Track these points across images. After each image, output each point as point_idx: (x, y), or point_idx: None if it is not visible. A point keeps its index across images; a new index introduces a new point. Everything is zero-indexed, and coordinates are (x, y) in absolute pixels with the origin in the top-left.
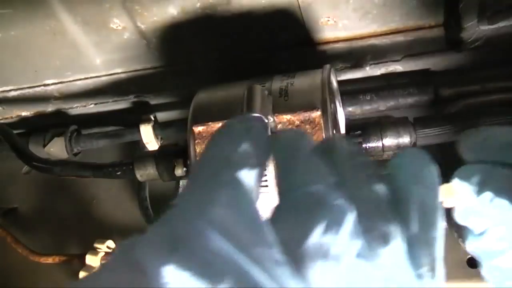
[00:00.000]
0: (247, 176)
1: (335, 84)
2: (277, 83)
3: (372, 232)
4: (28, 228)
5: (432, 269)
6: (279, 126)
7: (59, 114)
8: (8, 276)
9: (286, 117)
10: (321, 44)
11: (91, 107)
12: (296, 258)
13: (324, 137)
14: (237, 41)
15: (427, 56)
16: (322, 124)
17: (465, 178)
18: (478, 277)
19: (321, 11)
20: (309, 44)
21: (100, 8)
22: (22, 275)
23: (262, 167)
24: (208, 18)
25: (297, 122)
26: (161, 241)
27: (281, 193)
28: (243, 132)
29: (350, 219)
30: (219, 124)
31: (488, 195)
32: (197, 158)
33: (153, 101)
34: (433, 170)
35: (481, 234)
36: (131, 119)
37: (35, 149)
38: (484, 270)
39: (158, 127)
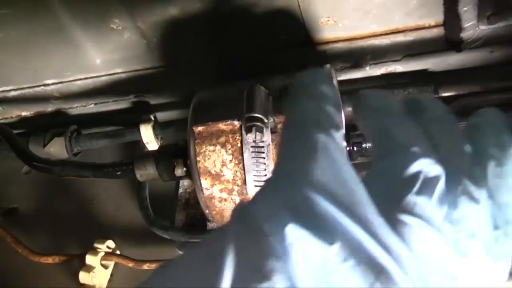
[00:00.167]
0: (338, 136)
1: (335, 84)
2: (277, 83)
3: (463, 194)
4: (28, 228)
5: (506, 234)
6: (279, 126)
7: (59, 114)
8: (8, 276)
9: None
10: (321, 44)
11: (91, 107)
12: (393, 218)
13: None
14: (237, 41)
15: (427, 56)
16: None
17: None
18: None
19: (321, 11)
20: (309, 44)
21: (100, 8)
22: (22, 275)
23: (343, 127)
24: (208, 18)
25: None
26: (276, 206)
27: (377, 155)
28: (322, 93)
29: (442, 183)
30: (219, 124)
31: None
32: (282, 125)
33: (153, 101)
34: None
35: None
36: (131, 119)
37: (35, 149)
38: None
39: (158, 127)
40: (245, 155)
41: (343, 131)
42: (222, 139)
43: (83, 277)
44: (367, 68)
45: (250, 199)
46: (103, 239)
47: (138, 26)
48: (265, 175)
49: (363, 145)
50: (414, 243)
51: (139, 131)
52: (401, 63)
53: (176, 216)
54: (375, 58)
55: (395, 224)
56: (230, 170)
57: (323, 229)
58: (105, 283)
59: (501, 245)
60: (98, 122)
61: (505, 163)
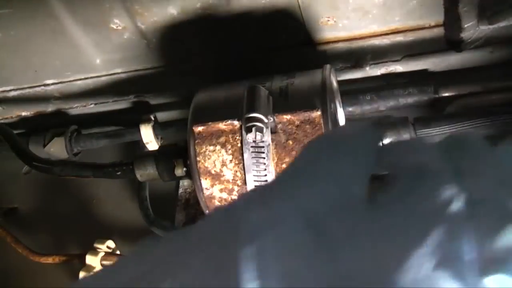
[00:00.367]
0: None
1: (335, 84)
2: (277, 83)
3: None
4: (28, 228)
5: None
6: (279, 126)
7: (59, 114)
8: (8, 276)
9: (286, 117)
10: (321, 44)
11: (91, 107)
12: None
13: None
14: (237, 41)
15: (427, 56)
16: (322, 124)
17: None
18: None
19: (321, 11)
20: (309, 44)
21: (100, 8)
22: (22, 275)
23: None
24: (208, 18)
25: (297, 122)
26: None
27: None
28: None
29: None
30: (219, 124)
31: None
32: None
33: (153, 101)
34: None
35: None
36: (131, 119)
37: (35, 149)
38: None
39: (158, 127)
40: (245, 155)
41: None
42: (222, 139)
43: (83, 277)
44: (367, 68)
45: None
46: (103, 239)
47: (138, 26)
48: (265, 175)
49: None
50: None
51: (139, 131)
52: (401, 63)
53: (176, 216)
54: (375, 58)
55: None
56: (230, 170)
57: None
58: None
59: None
60: (98, 122)
61: None
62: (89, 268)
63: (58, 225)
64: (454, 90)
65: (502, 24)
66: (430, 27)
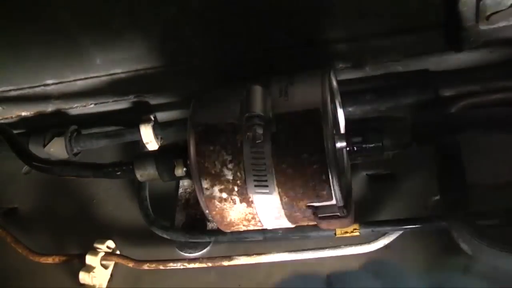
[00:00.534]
0: None
1: (335, 84)
2: (277, 83)
3: None
4: (28, 228)
5: None
6: (279, 126)
7: (59, 114)
8: (8, 276)
9: (286, 117)
10: (321, 44)
11: (91, 107)
12: None
13: (324, 137)
14: (237, 41)
15: (427, 56)
16: (322, 124)
17: None
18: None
19: (321, 11)
20: (309, 44)
21: (100, 8)
22: (22, 275)
23: None
24: (208, 18)
25: (297, 122)
26: None
27: None
28: None
29: None
30: (219, 124)
31: None
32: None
33: (153, 101)
34: None
35: None
36: (131, 119)
37: (35, 149)
38: None
39: (158, 127)
40: (245, 155)
41: None
42: (222, 139)
43: (83, 277)
44: (367, 68)
45: None
46: (103, 239)
47: (138, 26)
48: (265, 175)
49: (363, 146)
50: None
51: (139, 131)
52: (401, 63)
53: (176, 216)
54: (375, 58)
55: None
56: (230, 170)
57: None
58: (105, 283)
59: None
60: (98, 122)
61: None
62: (89, 268)
63: (58, 225)
64: (454, 90)
65: (502, 24)
66: (430, 27)
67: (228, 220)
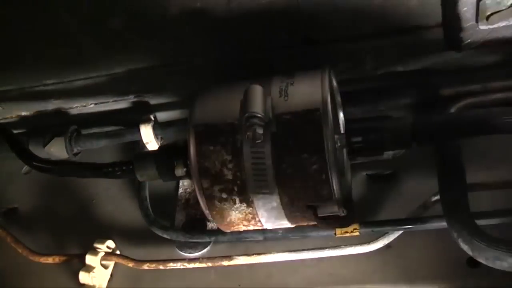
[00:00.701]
0: None
1: (335, 84)
2: (277, 83)
3: None
4: (28, 228)
5: None
6: (279, 126)
7: (59, 114)
8: (8, 276)
9: (286, 117)
10: (321, 44)
11: (91, 107)
12: None
13: (324, 137)
14: (237, 41)
15: (427, 56)
16: (322, 124)
17: None
18: (478, 277)
19: (321, 11)
20: (309, 44)
21: (100, 8)
22: (22, 275)
23: None
24: (208, 18)
25: (297, 122)
26: None
27: None
28: None
29: None
30: (219, 124)
31: None
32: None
33: (153, 101)
34: None
35: None
36: (131, 119)
37: (35, 149)
38: None
39: (158, 127)
40: (245, 155)
41: None
42: (222, 139)
43: (83, 277)
44: (367, 68)
45: None
46: (103, 239)
47: (138, 26)
48: (265, 174)
49: (363, 146)
50: None
51: (139, 131)
52: (401, 63)
53: (176, 216)
54: (375, 58)
55: None
56: (230, 170)
57: None
58: (105, 283)
59: None
60: (98, 122)
61: None
62: (89, 268)
63: (58, 225)
64: (454, 90)
65: (502, 24)
66: (430, 27)
67: (228, 220)
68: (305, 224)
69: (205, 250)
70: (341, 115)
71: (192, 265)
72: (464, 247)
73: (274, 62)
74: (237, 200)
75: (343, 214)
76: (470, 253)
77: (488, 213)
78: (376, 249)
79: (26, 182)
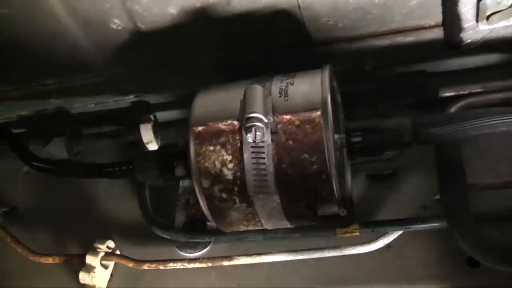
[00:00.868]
0: None
1: (335, 84)
2: (277, 83)
3: None
4: (28, 228)
5: None
6: (279, 126)
7: (59, 114)
8: (8, 276)
9: (286, 117)
10: (321, 44)
11: (91, 107)
12: None
13: (324, 137)
14: (237, 41)
15: (427, 56)
16: (322, 124)
17: None
18: (478, 277)
19: (321, 11)
20: (309, 44)
21: (100, 8)
22: (22, 275)
23: None
24: (208, 18)
25: (297, 122)
26: None
27: None
28: None
29: None
30: (219, 124)
31: None
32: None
33: (153, 101)
34: None
35: None
36: (131, 119)
37: (35, 149)
38: None
39: (158, 127)
40: (245, 155)
41: None
42: (222, 139)
43: (83, 277)
44: (367, 68)
45: None
46: (103, 239)
47: (138, 26)
48: (265, 175)
49: (363, 146)
50: None
51: (139, 131)
52: (401, 63)
53: (176, 216)
54: (375, 58)
55: None
56: (230, 170)
57: None
58: (105, 283)
59: None
60: (98, 122)
61: None
62: (89, 268)
63: (58, 225)
64: (454, 90)
65: (502, 24)
66: (430, 27)
67: (228, 220)
68: (305, 224)
69: (205, 250)
70: (342, 115)
71: (192, 265)
72: (464, 247)
73: (274, 62)
74: (237, 200)
75: (343, 214)
76: (470, 253)
77: (488, 213)
78: (376, 249)
79: (26, 182)
